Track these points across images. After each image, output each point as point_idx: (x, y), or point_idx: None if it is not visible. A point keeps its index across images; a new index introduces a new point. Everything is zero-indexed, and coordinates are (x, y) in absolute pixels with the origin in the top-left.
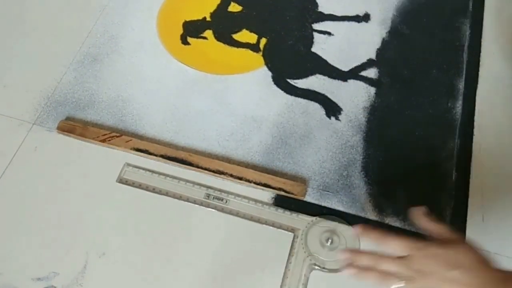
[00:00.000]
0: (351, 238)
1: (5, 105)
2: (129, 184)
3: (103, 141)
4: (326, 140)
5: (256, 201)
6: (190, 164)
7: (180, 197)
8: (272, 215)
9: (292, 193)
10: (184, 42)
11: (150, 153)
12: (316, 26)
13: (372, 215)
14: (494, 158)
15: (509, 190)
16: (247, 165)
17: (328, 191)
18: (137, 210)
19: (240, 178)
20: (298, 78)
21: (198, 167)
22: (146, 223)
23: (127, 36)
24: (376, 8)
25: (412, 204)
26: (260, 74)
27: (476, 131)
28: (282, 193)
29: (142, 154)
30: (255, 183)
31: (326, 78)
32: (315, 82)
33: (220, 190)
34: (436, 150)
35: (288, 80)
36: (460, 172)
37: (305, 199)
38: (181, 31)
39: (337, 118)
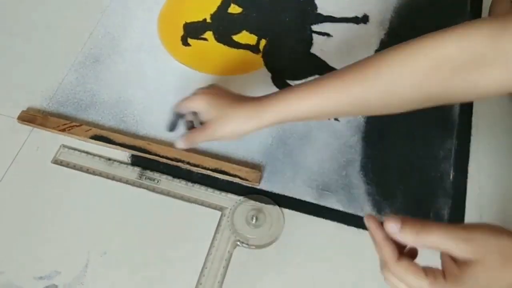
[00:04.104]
0: (276, 217)
1: (7, 105)
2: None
3: (63, 130)
4: (325, 140)
5: (187, 180)
6: (148, 152)
7: (113, 178)
8: (202, 194)
9: (246, 180)
10: (185, 43)
11: (110, 142)
12: (315, 27)
13: None
14: (491, 158)
15: (506, 190)
16: (247, 164)
17: (327, 191)
18: (136, 209)
19: (197, 166)
20: (297, 79)
21: (156, 155)
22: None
23: (128, 37)
24: (375, 9)
25: (410, 203)
26: (259, 75)
27: (473, 130)
28: (237, 180)
29: (101, 143)
30: (211, 170)
31: None
32: None
33: (153, 170)
34: (434, 150)
35: (288, 81)
36: (458, 171)
37: (303, 199)
38: (181, 32)
39: (336, 118)
